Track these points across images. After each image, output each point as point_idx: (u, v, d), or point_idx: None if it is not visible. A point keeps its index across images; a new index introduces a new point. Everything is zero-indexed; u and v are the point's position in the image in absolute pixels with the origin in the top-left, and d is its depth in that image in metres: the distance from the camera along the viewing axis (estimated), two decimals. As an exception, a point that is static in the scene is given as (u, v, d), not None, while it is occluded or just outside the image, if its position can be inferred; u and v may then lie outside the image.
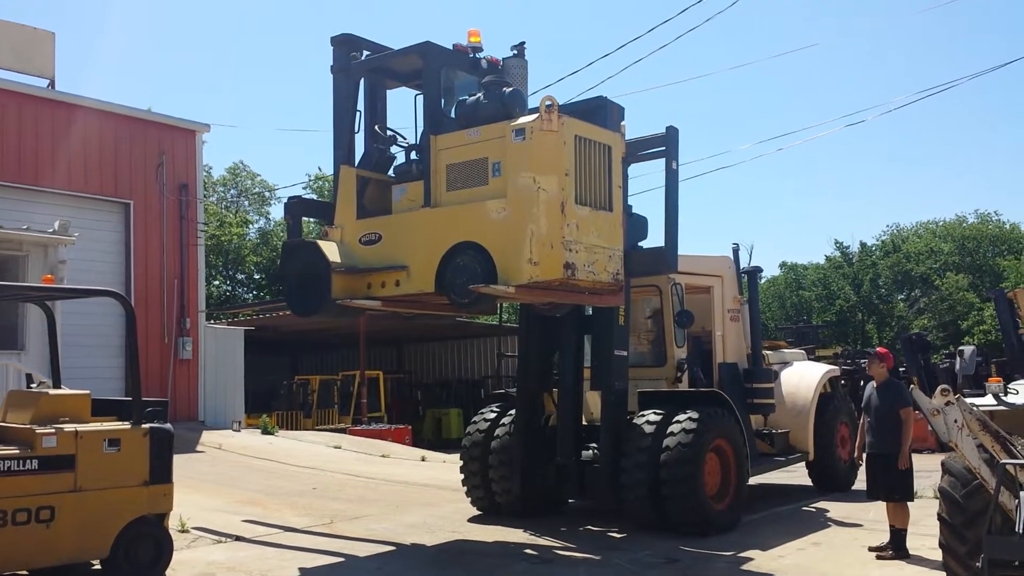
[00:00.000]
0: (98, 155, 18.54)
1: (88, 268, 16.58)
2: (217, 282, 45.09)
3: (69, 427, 7.20)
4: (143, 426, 7.56)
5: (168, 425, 7.85)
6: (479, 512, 11.25)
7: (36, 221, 15.48)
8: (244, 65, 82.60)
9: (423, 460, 18.11)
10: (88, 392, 7.89)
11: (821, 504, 12.05)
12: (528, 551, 9.37)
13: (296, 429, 24.46)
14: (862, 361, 24.24)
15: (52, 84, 18.59)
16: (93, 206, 18.44)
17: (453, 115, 9.30)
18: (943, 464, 7.14)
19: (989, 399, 6.90)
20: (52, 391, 8.04)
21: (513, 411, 11.09)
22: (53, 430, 7.09)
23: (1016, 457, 6.02)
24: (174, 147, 19.81)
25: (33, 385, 9.12)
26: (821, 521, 10.97)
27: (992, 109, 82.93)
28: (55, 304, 10.38)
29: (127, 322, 8.09)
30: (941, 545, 7.01)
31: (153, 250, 19.22)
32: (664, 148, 9.90)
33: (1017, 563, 5.44)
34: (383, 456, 18.03)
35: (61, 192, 17.84)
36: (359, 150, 9.91)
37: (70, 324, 14.93)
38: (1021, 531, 5.55)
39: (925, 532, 8.66)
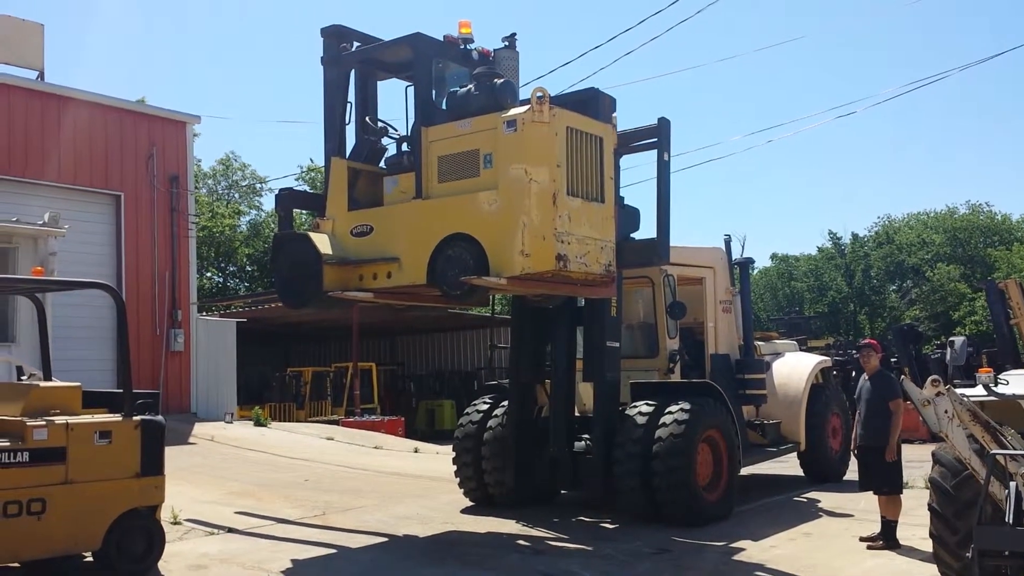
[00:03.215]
0: (88, 147, 18.44)
1: (78, 260, 16.50)
2: (209, 274, 44.96)
3: (60, 419, 7.17)
4: (134, 418, 7.53)
5: (159, 417, 7.83)
6: (472, 503, 11.26)
7: (26, 213, 15.41)
8: (235, 57, 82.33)
9: (416, 451, 18.11)
10: (79, 384, 7.86)
11: (812, 494, 12.09)
12: (521, 542, 9.38)
13: (289, 421, 24.44)
14: (854, 352, 24.33)
15: (41, 76, 18.48)
16: (83, 198, 18.36)
17: (444, 107, 9.27)
18: (934, 454, 7.16)
19: (979, 390, 6.91)
20: (42, 383, 8.01)
21: (506, 402, 11.10)
22: (44, 422, 7.06)
23: (1006, 447, 6.04)
24: (164, 139, 19.72)
25: (24, 377, 9.09)
26: (812, 511, 11.01)
27: (982, 101, 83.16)
28: (45, 296, 10.32)
29: (117, 314, 8.07)
30: (932, 535, 7.04)
31: (144, 242, 19.15)
32: (656, 139, 9.87)
33: (1007, 553, 5.46)
34: (376, 448, 18.03)
35: (51, 184, 17.75)
36: (350, 142, 9.88)
37: (60, 316, 14.87)
38: (1011, 521, 5.58)
39: (916, 522, 8.70)
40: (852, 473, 11.47)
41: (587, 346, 10.66)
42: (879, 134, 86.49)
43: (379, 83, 10.26)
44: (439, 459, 15.71)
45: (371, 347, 34.12)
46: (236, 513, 10.36)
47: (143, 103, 21.57)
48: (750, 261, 13.35)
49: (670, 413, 9.85)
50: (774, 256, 64.19)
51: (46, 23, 18.77)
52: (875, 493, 9.01)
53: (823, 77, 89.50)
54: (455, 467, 11.44)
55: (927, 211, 61.27)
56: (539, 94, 8.11)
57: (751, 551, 8.82)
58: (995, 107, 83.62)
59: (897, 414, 8.85)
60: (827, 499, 11.62)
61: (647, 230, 9.98)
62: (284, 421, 23.90)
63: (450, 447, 11.93)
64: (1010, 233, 55.78)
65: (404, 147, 9.56)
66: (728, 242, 12.79)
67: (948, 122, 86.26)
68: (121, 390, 7.76)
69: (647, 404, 10.12)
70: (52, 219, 14.54)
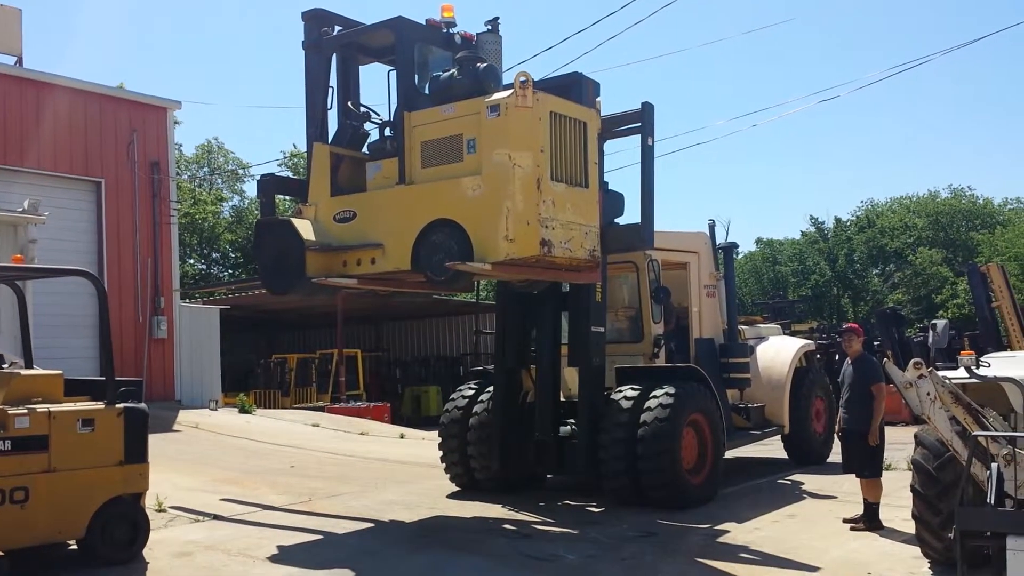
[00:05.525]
0: (68, 133, 18.28)
1: (59, 247, 16.39)
2: (192, 260, 44.72)
3: (42, 408, 7.13)
4: (117, 406, 7.49)
5: (143, 404, 7.78)
6: (458, 488, 11.28)
7: (5, 200, 15.26)
8: (216, 41, 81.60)
9: (402, 437, 18.12)
10: (60, 372, 7.81)
11: (796, 477, 12.17)
12: (507, 526, 9.41)
13: (274, 408, 24.42)
14: (837, 336, 24.45)
15: (20, 61, 18.30)
16: (63, 185, 18.22)
17: (427, 91, 9.22)
18: (916, 436, 7.22)
19: (961, 372, 6.93)
20: (24, 371, 7.94)
21: (491, 388, 11.10)
22: (25, 411, 7.02)
23: (988, 429, 6.09)
24: (145, 124, 19.58)
25: (4, 366, 9.01)
26: (796, 494, 11.08)
27: (964, 85, 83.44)
28: (26, 284, 10.21)
29: (99, 301, 7.99)
30: (914, 516, 7.10)
31: (125, 229, 19.02)
32: (640, 124, 9.86)
33: (989, 533, 5.51)
34: (362, 434, 18.02)
35: (31, 171, 17.60)
36: (332, 127, 9.82)
37: (41, 304, 14.75)
38: (992, 502, 5.62)
39: (898, 504, 8.77)
40: (835, 456, 11.54)
41: (572, 331, 10.67)
42: (862, 118, 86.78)
43: (361, 68, 10.19)
44: (425, 445, 15.72)
45: (356, 333, 34.05)
46: (221, 500, 10.34)
47: (122, 89, 21.33)
48: (734, 246, 13.39)
49: (655, 397, 9.89)
50: (758, 240, 64.37)
51: (24, 8, 18.56)
52: (856, 476, 9.08)
53: (806, 62, 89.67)
54: (441, 452, 11.45)
55: (909, 195, 61.53)
56: (522, 79, 8.07)
57: (735, 533, 8.88)
58: (977, 91, 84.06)
59: (879, 398, 8.90)
60: (811, 481, 11.71)
61: (631, 215, 9.99)
62: (269, 408, 23.86)
63: (436, 433, 11.94)
64: (992, 217, 56.08)
65: (387, 132, 9.50)
66: (712, 227, 12.83)
67: (930, 107, 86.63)
68: (104, 378, 7.72)
69: (632, 388, 10.15)
70: (32, 206, 14.39)
